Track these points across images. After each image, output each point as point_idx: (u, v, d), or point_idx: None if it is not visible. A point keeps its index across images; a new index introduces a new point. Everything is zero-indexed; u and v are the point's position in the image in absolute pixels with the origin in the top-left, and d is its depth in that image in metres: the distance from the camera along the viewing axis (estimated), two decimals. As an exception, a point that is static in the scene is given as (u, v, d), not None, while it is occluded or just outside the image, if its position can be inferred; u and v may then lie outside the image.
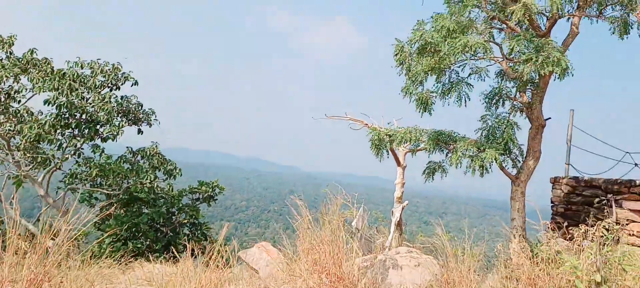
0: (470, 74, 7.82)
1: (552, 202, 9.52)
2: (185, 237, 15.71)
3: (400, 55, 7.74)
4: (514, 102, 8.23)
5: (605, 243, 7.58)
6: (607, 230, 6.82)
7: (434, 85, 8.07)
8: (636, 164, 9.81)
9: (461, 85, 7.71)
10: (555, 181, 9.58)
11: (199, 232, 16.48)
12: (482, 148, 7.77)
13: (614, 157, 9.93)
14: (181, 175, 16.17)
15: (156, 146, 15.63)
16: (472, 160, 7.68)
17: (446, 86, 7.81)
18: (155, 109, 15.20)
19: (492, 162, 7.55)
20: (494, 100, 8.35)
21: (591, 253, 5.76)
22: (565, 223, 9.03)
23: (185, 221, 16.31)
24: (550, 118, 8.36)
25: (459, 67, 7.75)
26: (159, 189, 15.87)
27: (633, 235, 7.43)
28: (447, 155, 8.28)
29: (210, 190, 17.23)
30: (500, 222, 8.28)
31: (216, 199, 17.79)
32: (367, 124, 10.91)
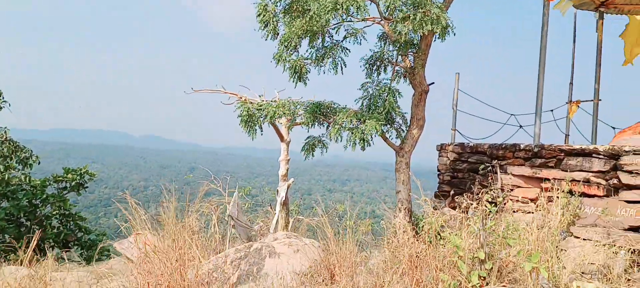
0: (346, 37, 6.99)
1: (438, 170, 9.20)
2: (55, 231, 13.78)
3: (264, 15, 6.70)
4: (396, 68, 7.60)
5: (489, 214, 7.28)
6: (492, 202, 6.52)
7: (307, 50, 7.17)
8: (521, 126, 9.80)
9: (336, 50, 6.87)
10: (441, 148, 9.25)
11: (71, 223, 14.58)
12: (362, 119, 7.06)
13: (500, 120, 9.84)
14: (39, 163, 14.00)
15: (4, 132, 13.29)
16: (352, 133, 6.94)
17: (320, 52, 6.93)
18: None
19: (373, 134, 6.86)
20: (375, 66, 7.67)
21: (474, 229, 5.26)
22: (452, 192, 8.74)
23: (54, 213, 14.31)
24: (433, 83, 7.88)
25: (333, 29, 6.89)
26: (17, 180, 13.63)
27: (518, 201, 7.20)
28: (328, 128, 7.49)
29: (78, 177, 15.19)
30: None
31: (86, 187, 15.81)
32: (241, 97, 9.82)
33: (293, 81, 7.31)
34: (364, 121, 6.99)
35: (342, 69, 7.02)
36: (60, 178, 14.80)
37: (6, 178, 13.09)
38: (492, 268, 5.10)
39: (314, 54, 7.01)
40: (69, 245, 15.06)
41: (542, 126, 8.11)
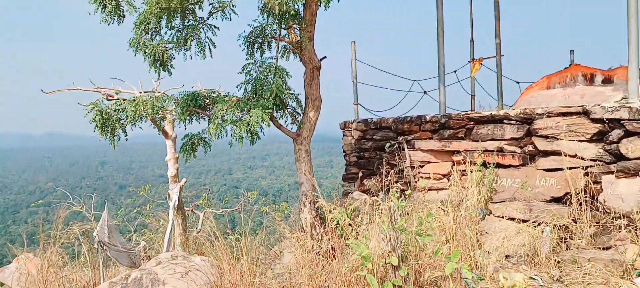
0: (211, 13, 5.74)
1: (343, 151, 8.31)
2: None
3: (97, -8, 5.27)
4: (281, 43, 6.49)
5: (401, 197, 6.50)
6: (402, 191, 5.73)
7: (167, 32, 5.84)
8: (425, 92, 9.14)
9: (199, 29, 5.61)
10: (344, 126, 8.35)
11: None
12: (247, 107, 5.91)
13: (404, 88, 9.11)
14: None
15: None
16: (236, 126, 5.78)
17: (181, 33, 5.64)
18: None
19: (261, 124, 5.76)
20: (256, 44, 6.49)
21: (384, 229, 4.37)
22: (360, 174, 7.91)
23: None
24: (325, 57, 6.88)
25: (195, 4, 5.60)
26: None
27: (429, 178, 6.48)
28: (209, 123, 6.27)
29: None
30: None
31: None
32: (107, 94, 8.25)
33: (155, 71, 5.96)
34: (250, 110, 5.86)
35: (210, 51, 5.79)
36: None
37: None
38: (407, 274, 4.26)
39: (175, 36, 5.70)
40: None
41: (446, 90, 7.45)
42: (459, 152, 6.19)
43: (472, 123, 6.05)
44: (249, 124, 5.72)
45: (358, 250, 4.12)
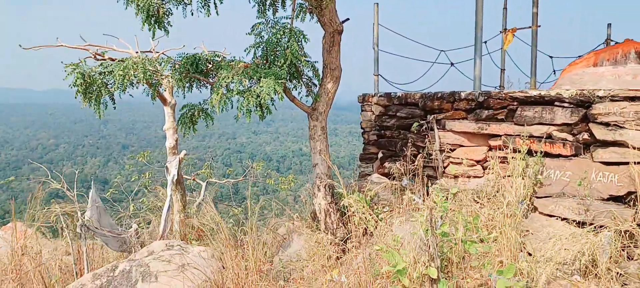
0: (219, -41, 4.88)
1: (361, 128, 7.53)
2: None
3: None
4: (297, 1, 5.65)
5: (430, 194, 5.77)
6: (430, 178, 4.98)
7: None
8: (452, 64, 8.30)
9: (203, -21, 4.76)
10: (363, 100, 7.55)
11: None
12: (257, 76, 5.12)
13: (429, 58, 8.26)
14: None
15: None
16: (244, 98, 5.01)
17: (183, -17, 4.79)
18: None
19: (273, 96, 4.99)
20: (269, 0, 5.65)
21: (420, 233, 3.64)
22: (380, 154, 7.15)
23: None
24: (348, 19, 6.05)
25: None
26: None
27: (461, 163, 5.72)
28: (212, 92, 5.49)
29: None
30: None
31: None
32: (97, 54, 7.43)
33: (149, 28, 5.13)
34: (260, 79, 5.07)
35: (216, 6, 4.94)
36: None
37: None
38: (447, 288, 3.55)
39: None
40: None
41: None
42: (497, 136, 5.40)
43: (515, 103, 5.25)
44: (258, 96, 4.94)
45: (391, 260, 3.40)
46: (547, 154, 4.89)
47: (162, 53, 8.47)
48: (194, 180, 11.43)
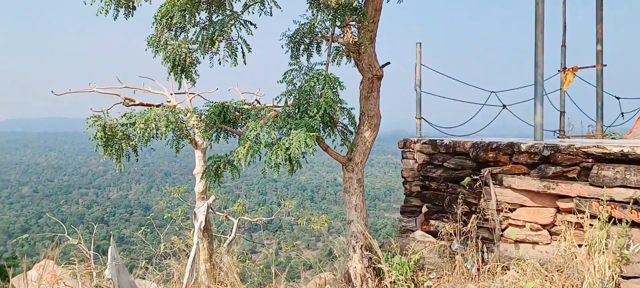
0: (247, 6, 4.40)
1: (403, 177, 6.82)
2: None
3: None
4: (333, 44, 5.11)
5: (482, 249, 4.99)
6: (485, 241, 4.19)
7: (193, 31, 4.55)
8: (504, 106, 7.53)
9: (230, 26, 4.27)
10: (405, 145, 6.86)
11: None
12: (287, 126, 4.57)
13: (478, 100, 7.52)
14: None
15: None
16: (272, 152, 4.45)
17: (208, 31, 4.32)
18: None
19: (304, 150, 4.41)
20: (303, 45, 5.14)
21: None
22: (425, 209, 6.41)
23: None
24: (389, 63, 5.46)
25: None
26: None
27: (522, 226, 4.92)
28: (239, 143, 4.96)
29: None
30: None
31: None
32: (126, 99, 7.09)
33: (175, 79, 4.69)
34: (290, 129, 4.51)
35: (243, 55, 4.45)
36: None
37: None
38: None
39: (200, 35, 4.39)
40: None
41: (526, 105, 5.85)
42: (568, 197, 4.58)
43: (590, 160, 4.44)
44: (288, 149, 4.36)
45: None
46: (634, 224, 4.05)
47: (197, 95, 8.11)
48: (226, 217, 10.93)
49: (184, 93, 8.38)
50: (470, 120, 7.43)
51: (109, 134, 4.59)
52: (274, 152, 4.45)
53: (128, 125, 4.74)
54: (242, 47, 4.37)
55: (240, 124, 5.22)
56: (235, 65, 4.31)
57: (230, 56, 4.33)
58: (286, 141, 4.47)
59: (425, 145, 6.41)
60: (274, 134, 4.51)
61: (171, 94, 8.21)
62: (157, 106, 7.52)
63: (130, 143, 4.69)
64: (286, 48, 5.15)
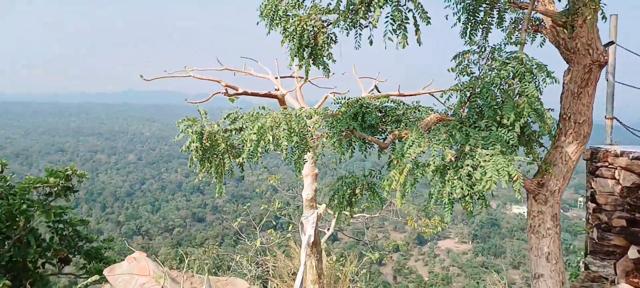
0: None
1: (593, 201, 4.90)
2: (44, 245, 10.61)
3: None
4: (533, 15, 3.38)
5: None
6: None
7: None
8: None
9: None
10: (594, 157, 4.93)
11: (68, 230, 11.51)
12: (463, 139, 2.97)
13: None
14: (2, 171, 10.67)
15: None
16: (444, 182, 2.87)
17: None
18: None
19: (501, 180, 2.78)
20: (480, 17, 3.45)
21: None
22: (633, 252, 4.48)
23: (47, 222, 11.08)
24: (612, 42, 3.62)
25: None
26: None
27: None
28: (389, 162, 3.41)
29: (63, 180, 11.74)
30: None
31: (76, 191, 12.60)
32: (227, 88, 5.76)
33: (300, 65, 3.22)
34: (470, 150, 2.91)
35: (417, 30, 2.84)
36: (40, 183, 11.52)
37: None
38: None
39: (345, 2, 2.84)
40: (68, 258, 12.15)
41: None
42: None
43: None
44: (473, 183, 2.76)
45: None
46: None
47: (307, 81, 6.67)
48: (325, 211, 9.65)
49: (291, 76, 6.98)
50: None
51: (207, 144, 3.24)
52: (449, 184, 2.86)
53: (232, 131, 3.36)
54: (414, 17, 2.75)
55: (381, 130, 3.66)
56: (403, 46, 2.72)
57: (395, 31, 2.72)
58: (468, 164, 2.86)
59: (636, 161, 4.44)
60: (451, 154, 2.89)
61: (276, 78, 6.85)
62: (264, 95, 6.20)
63: (236, 158, 3.32)
64: (456, 23, 3.48)
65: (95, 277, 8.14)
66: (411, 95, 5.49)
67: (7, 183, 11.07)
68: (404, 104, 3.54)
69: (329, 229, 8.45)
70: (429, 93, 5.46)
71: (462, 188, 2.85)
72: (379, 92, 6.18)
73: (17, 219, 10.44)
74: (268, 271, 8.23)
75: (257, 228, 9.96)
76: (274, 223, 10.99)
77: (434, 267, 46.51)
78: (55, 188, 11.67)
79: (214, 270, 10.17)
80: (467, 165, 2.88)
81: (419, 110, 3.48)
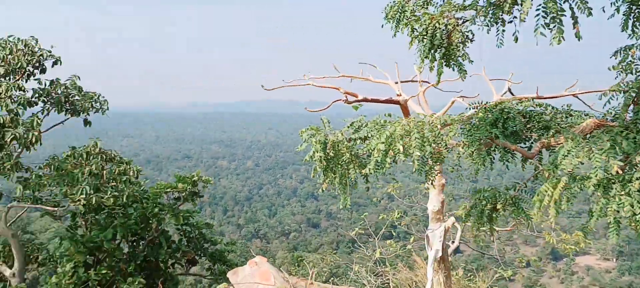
0: None
1: None
2: (173, 246, 11.66)
3: None
4: None
5: None
6: None
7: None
8: None
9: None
10: None
11: (195, 233, 12.55)
12: (639, 156, 2.47)
13: None
14: (137, 177, 11.79)
15: (95, 143, 11.33)
16: (610, 198, 2.43)
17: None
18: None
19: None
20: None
21: None
22: None
23: (176, 225, 12.24)
24: None
25: None
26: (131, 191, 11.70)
27: None
28: (535, 175, 3.01)
29: (190, 185, 12.79)
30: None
31: (201, 196, 13.57)
32: (347, 95, 5.64)
33: (430, 66, 2.97)
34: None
35: (575, 24, 2.45)
36: (170, 188, 12.57)
37: (108, 194, 10.91)
38: None
39: (485, -9, 2.55)
40: (195, 260, 13.11)
41: None
42: None
43: None
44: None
45: None
46: None
47: (430, 85, 6.31)
48: (453, 225, 9.17)
49: (413, 80, 6.70)
50: None
51: (331, 154, 3.12)
52: (616, 200, 2.42)
53: (357, 140, 3.21)
54: (571, 8, 2.38)
55: (526, 138, 3.26)
56: (558, 41, 2.36)
57: (548, 24, 2.37)
58: (639, 179, 2.39)
59: None
60: (616, 165, 2.45)
61: (396, 83, 6.61)
62: (385, 102, 6.01)
63: (361, 168, 3.16)
64: (613, 10, 2.97)
65: (224, 286, 8.52)
66: (551, 97, 4.92)
67: (141, 188, 12.24)
68: (552, 107, 3.13)
69: (453, 241, 8.01)
70: (573, 94, 4.85)
71: (632, 206, 2.41)
72: (513, 94, 5.66)
73: (150, 222, 11.47)
74: (388, 283, 8.01)
75: (376, 238, 9.80)
76: (393, 233, 10.74)
77: (571, 285, 42.59)
78: (183, 193, 12.69)
79: (331, 278, 10.20)
80: (638, 178, 2.43)
81: (571, 115, 3.04)
